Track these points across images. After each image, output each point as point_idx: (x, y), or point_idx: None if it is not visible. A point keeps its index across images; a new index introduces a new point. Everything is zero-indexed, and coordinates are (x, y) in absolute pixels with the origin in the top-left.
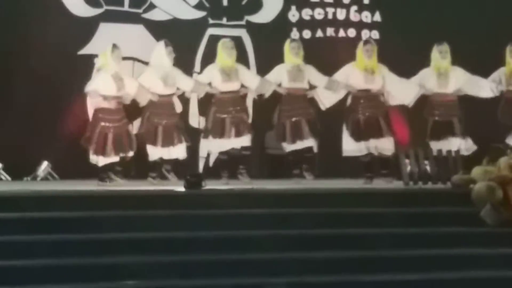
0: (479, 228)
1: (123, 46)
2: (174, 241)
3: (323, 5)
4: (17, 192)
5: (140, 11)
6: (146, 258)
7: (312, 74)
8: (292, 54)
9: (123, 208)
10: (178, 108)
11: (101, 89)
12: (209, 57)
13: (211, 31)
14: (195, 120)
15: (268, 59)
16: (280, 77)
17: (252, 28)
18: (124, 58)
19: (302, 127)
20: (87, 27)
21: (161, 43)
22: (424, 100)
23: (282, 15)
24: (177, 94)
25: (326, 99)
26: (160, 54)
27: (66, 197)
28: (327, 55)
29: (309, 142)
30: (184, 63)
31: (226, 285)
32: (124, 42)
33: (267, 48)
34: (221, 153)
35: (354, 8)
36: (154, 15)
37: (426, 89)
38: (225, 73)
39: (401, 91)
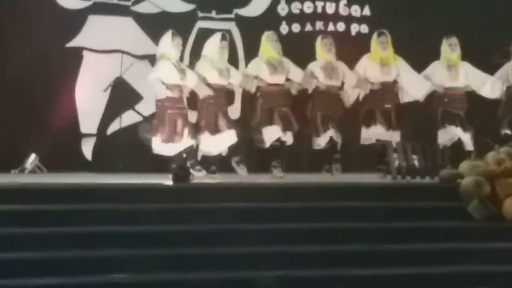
0: (466, 223)
1: (111, 39)
2: (163, 234)
3: None
4: (4, 184)
5: (129, 3)
6: (134, 252)
7: (345, 72)
8: (324, 50)
9: (111, 201)
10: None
11: (164, 77)
12: (198, 50)
13: (200, 24)
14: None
15: (257, 52)
16: (316, 74)
17: (241, 21)
18: (113, 51)
19: (332, 123)
20: (76, 20)
21: (218, 36)
22: (433, 93)
23: (272, 8)
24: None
25: (349, 96)
26: (214, 46)
27: (54, 190)
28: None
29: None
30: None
31: (216, 278)
32: (112, 35)
33: (256, 42)
34: (274, 140)
35: (343, 2)
36: (143, 8)
37: (436, 85)
38: (272, 66)
39: (413, 86)
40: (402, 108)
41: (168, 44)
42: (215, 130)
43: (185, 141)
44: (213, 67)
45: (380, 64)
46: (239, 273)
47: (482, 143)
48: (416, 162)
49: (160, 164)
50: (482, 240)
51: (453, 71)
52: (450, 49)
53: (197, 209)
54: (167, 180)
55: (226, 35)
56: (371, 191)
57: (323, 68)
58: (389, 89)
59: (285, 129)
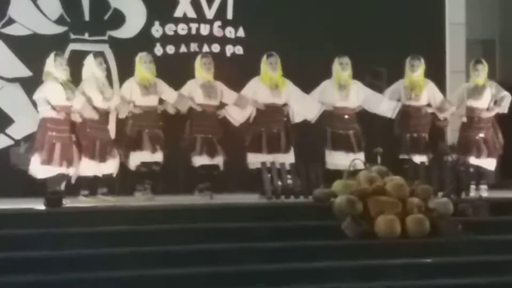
0: (340, 241)
1: None
2: (34, 260)
3: (187, 21)
4: None
5: None
6: (5, 279)
7: (223, 91)
8: (203, 69)
9: None
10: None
11: (50, 97)
12: (71, 73)
13: (72, 46)
14: None
15: (131, 74)
16: (193, 92)
17: (115, 43)
18: None
19: (214, 145)
20: None
21: (90, 56)
22: (323, 112)
23: (145, 30)
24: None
25: (238, 114)
26: (92, 63)
27: None
28: (191, 71)
29: (218, 160)
30: None
31: None
32: None
33: (130, 63)
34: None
35: (217, 23)
36: (14, 30)
37: (327, 104)
38: (144, 87)
39: (303, 107)
40: (292, 130)
41: (52, 65)
42: (95, 156)
43: (61, 167)
44: (97, 88)
45: (270, 86)
46: None
47: (374, 152)
48: (290, 182)
49: (33, 188)
50: (355, 257)
51: (344, 91)
52: (341, 68)
53: (70, 234)
54: (39, 205)
55: (97, 52)
56: (245, 212)
57: (202, 87)
58: (279, 111)
59: (154, 151)
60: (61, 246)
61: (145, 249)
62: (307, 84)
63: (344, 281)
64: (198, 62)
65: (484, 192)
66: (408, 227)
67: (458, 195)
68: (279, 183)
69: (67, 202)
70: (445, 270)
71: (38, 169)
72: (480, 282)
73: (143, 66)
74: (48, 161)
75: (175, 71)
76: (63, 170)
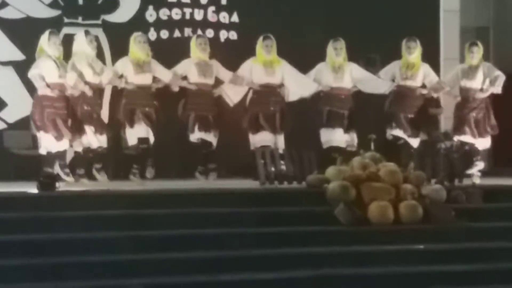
0: (333, 227)
1: None
2: (28, 243)
3: (181, 5)
4: None
5: None
6: None
7: (219, 69)
8: (199, 49)
9: None
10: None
11: (45, 74)
12: (64, 56)
13: (66, 30)
14: None
15: None
16: (188, 71)
17: (108, 27)
18: None
19: (208, 122)
20: None
21: (81, 32)
22: (319, 93)
23: (139, 14)
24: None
25: (233, 95)
26: (82, 40)
27: None
28: (185, 55)
29: (211, 138)
30: None
31: (82, 287)
32: None
33: (124, 47)
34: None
35: (211, 8)
36: (7, 13)
37: (323, 85)
38: (138, 66)
39: (299, 85)
40: (288, 111)
41: (45, 43)
42: (93, 129)
43: (67, 141)
44: (88, 63)
45: (264, 66)
46: (107, 281)
47: (368, 138)
48: (283, 167)
49: (26, 172)
50: (348, 243)
51: (338, 73)
52: (335, 53)
53: (63, 217)
54: (33, 189)
55: (89, 30)
56: (239, 197)
57: (196, 65)
58: (274, 91)
59: (148, 130)
60: (54, 230)
61: (138, 234)
62: (302, 68)
63: (337, 267)
64: (194, 42)
65: (477, 178)
66: (401, 214)
67: (451, 182)
68: (273, 168)
69: (60, 185)
70: (437, 256)
71: (51, 144)
72: (472, 268)
73: (137, 46)
74: (58, 135)
75: (169, 55)
76: (70, 143)
